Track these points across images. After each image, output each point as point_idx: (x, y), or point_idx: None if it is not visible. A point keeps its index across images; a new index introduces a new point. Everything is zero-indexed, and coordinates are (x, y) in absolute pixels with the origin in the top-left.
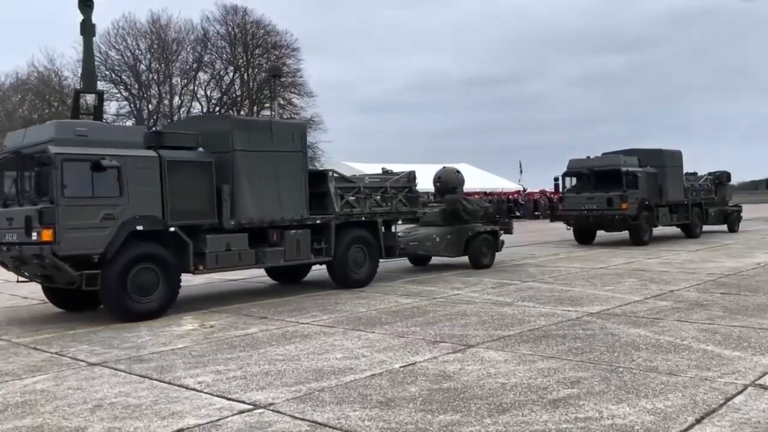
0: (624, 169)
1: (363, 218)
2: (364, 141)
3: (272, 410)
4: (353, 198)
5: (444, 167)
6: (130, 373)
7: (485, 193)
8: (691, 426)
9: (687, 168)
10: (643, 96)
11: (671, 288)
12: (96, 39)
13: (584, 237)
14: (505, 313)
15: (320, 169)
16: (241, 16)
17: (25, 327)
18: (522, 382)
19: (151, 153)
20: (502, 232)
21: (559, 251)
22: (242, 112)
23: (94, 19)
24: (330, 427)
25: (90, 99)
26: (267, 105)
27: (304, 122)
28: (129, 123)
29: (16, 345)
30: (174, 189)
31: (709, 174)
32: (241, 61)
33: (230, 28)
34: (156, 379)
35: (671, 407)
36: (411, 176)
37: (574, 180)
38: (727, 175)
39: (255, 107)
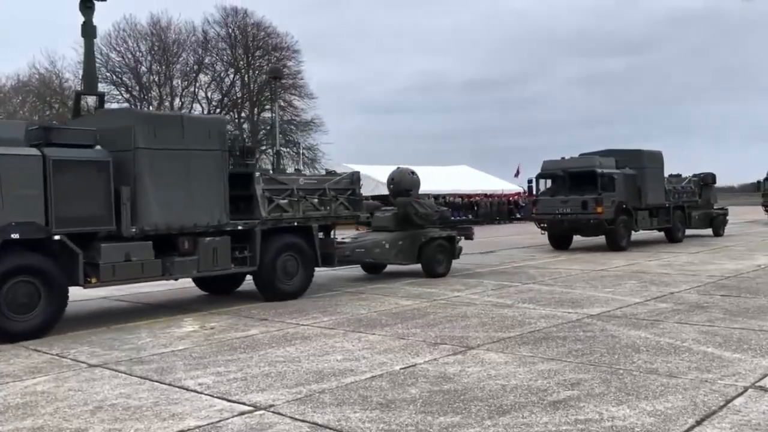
0: (599, 170)
1: (295, 223)
2: (365, 142)
3: (273, 412)
4: (285, 201)
5: (398, 168)
6: (131, 375)
7: (485, 195)
8: (692, 428)
9: (681, 170)
10: (643, 97)
11: (671, 290)
12: (97, 41)
13: (559, 242)
14: (506, 315)
15: (246, 169)
16: (242, 18)
17: None
18: (522, 383)
19: (33, 151)
20: (461, 238)
21: (559, 253)
22: (243, 114)
23: (95, 20)
24: (330, 428)
25: (91, 101)
26: (268, 107)
27: (223, 117)
28: None
29: (16, 346)
30: (61, 192)
31: (693, 176)
32: (241, 62)
33: (231, 30)
34: (156, 381)
35: (671, 409)
36: (354, 177)
37: (549, 182)
38: (711, 177)
39: (255, 109)
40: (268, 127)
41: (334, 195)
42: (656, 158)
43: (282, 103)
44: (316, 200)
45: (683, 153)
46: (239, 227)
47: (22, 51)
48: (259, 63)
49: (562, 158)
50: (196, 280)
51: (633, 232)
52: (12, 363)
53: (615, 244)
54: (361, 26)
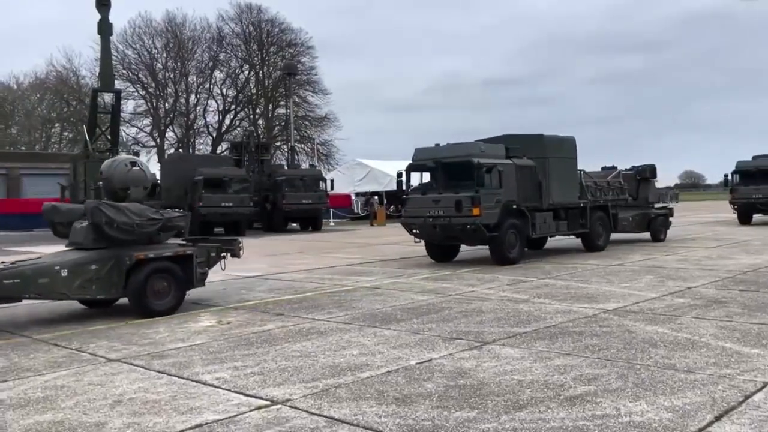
0: (476, 160)
1: None
2: (383, 139)
3: (289, 406)
4: None
5: (114, 159)
6: (149, 369)
7: None
8: (710, 424)
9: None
10: (658, 96)
11: (689, 285)
12: (113, 38)
13: (439, 252)
14: (521, 310)
15: None
16: (256, 14)
17: (46, 323)
18: (538, 379)
19: None
20: (225, 255)
21: (573, 248)
22: (257, 110)
23: (111, 18)
24: (347, 423)
25: (108, 97)
26: (282, 103)
27: None
28: (146, 121)
29: (37, 341)
30: None
31: (629, 168)
32: (256, 59)
33: (245, 27)
34: (174, 375)
35: (689, 405)
36: None
37: (427, 177)
38: (651, 170)
39: (270, 105)
40: (283, 123)
41: None
42: (565, 146)
43: (296, 99)
44: None
45: (694, 150)
46: None
47: (39, 49)
48: (273, 59)
49: (437, 145)
50: None
51: (549, 239)
52: (32, 357)
53: (501, 256)
54: (384, 28)
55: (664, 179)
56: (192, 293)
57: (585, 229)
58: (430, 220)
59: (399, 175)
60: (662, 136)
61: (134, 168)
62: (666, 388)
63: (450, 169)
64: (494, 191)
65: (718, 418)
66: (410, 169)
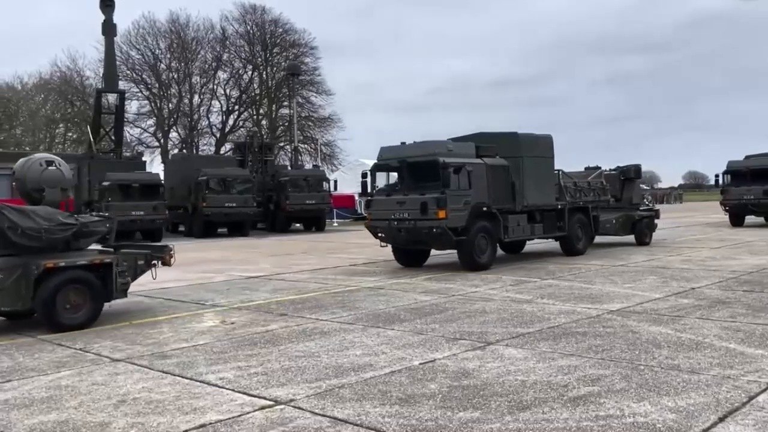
0: (442, 160)
1: None
2: (389, 140)
3: (293, 406)
4: None
5: (28, 158)
6: (153, 369)
7: None
8: (714, 424)
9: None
10: (662, 96)
11: (693, 285)
12: (117, 39)
13: (406, 257)
14: (525, 311)
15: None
16: (260, 15)
17: None
18: (542, 379)
19: None
20: (156, 263)
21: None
22: (261, 111)
23: (115, 19)
24: (350, 423)
25: (112, 98)
26: (285, 103)
27: None
28: (150, 121)
29: (41, 341)
30: None
31: (613, 168)
32: (259, 59)
33: (249, 27)
34: (178, 375)
35: (693, 405)
36: None
37: (395, 177)
38: (635, 170)
39: (274, 105)
40: (286, 123)
41: None
42: (541, 144)
43: (300, 100)
44: None
45: (698, 151)
46: None
47: (43, 50)
48: (276, 60)
49: (402, 143)
50: None
51: (528, 242)
52: (37, 357)
53: (470, 262)
54: (387, 28)
55: (668, 180)
56: (193, 294)
57: (563, 232)
58: (395, 223)
59: (364, 175)
60: (666, 136)
61: (50, 167)
62: (670, 388)
63: (416, 169)
64: (462, 192)
65: (722, 419)
66: (375, 169)
